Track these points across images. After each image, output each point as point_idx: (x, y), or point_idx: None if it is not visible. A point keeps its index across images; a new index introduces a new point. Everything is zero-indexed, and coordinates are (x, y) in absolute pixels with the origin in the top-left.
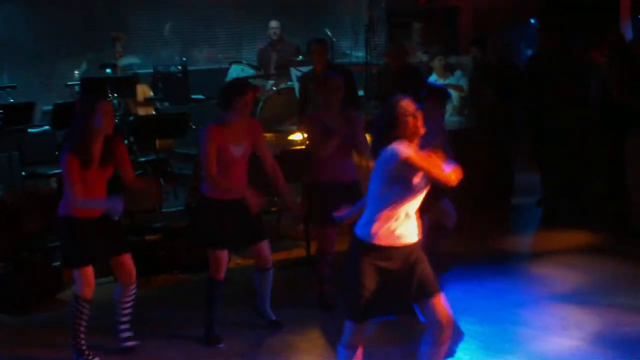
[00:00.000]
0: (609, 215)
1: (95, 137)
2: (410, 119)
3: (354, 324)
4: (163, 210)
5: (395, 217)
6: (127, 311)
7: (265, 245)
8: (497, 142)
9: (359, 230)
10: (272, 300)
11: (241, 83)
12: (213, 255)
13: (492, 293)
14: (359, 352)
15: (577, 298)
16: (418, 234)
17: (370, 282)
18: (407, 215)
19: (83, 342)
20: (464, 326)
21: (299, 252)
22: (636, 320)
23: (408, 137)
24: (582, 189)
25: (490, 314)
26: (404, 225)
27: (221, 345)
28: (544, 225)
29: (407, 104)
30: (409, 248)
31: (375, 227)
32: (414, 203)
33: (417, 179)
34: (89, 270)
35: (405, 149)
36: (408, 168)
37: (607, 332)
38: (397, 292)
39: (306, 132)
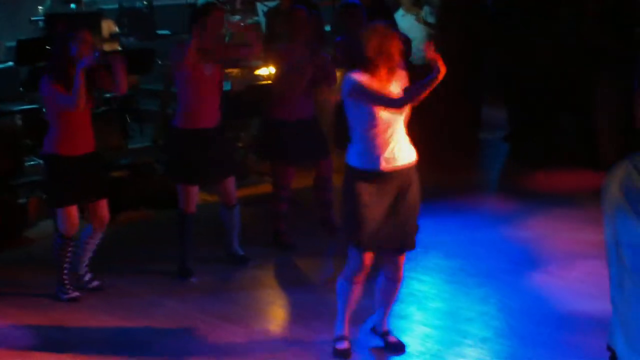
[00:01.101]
0: (577, 154)
1: (74, 65)
2: (384, 48)
3: (359, 254)
4: (129, 146)
5: (378, 140)
6: (89, 254)
7: (231, 182)
8: (465, 79)
9: (349, 158)
10: (241, 236)
11: (210, 4)
12: (184, 188)
13: (458, 228)
14: (360, 286)
15: (543, 233)
16: (414, 155)
17: (370, 209)
18: (390, 137)
19: (66, 276)
20: (430, 260)
21: (265, 188)
22: (602, 254)
23: (376, 61)
24: (550, 126)
25: (457, 248)
26: (389, 148)
27: (193, 279)
28: (512, 162)
29: (379, 28)
30: (403, 171)
31: (360, 153)
32: (392, 125)
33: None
34: (73, 210)
35: (356, 76)
36: (359, 95)
37: (573, 264)
38: (390, 229)
39: (274, 66)
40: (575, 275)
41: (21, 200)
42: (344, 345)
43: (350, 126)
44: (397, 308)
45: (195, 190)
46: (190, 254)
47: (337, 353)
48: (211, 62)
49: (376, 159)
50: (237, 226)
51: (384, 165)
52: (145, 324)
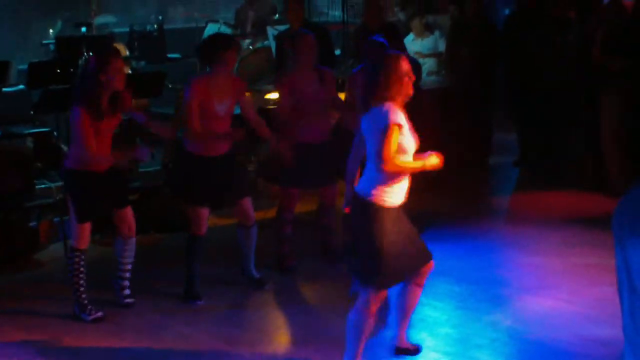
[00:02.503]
0: (587, 175)
1: (105, 92)
2: (405, 79)
3: (375, 291)
4: (140, 169)
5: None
6: (128, 266)
7: (247, 202)
8: (475, 101)
9: (366, 191)
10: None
11: (226, 37)
12: (194, 211)
13: (469, 253)
14: (372, 320)
15: (555, 258)
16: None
17: (389, 245)
18: None
19: (84, 295)
20: (441, 286)
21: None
22: (613, 280)
23: (401, 97)
24: (560, 149)
25: (468, 274)
26: (405, 182)
27: (200, 302)
28: (522, 186)
29: (405, 63)
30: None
31: (382, 186)
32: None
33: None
34: (88, 224)
35: (395, 116)
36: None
37: (585, 292)
38: (413, 253)
39: (278, 91)
40: (586, 301)
41: (32, 223)
42: None
43: (370, 155)
44: (409, 333)
45: (206, 213)
46: (198, 276)
47: None
48: (225, 100)
49: (401, 192)
50: (253, 247)
51: (403, 196)
52: (153, 346)
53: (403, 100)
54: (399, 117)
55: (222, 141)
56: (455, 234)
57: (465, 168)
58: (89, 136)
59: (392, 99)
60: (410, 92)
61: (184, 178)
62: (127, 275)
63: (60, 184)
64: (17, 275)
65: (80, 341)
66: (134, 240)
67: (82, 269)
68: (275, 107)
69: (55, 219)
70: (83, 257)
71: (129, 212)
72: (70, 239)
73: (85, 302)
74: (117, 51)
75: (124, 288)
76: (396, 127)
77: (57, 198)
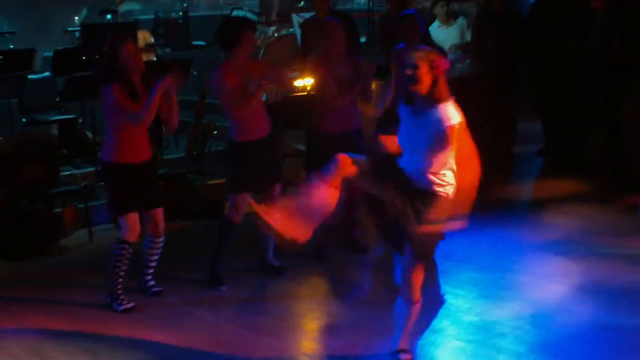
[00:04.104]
0: (609, 166)
1: (131, 75)
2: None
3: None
4: (164, 157)
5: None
6: (153, 263)
7: (277, 189)
8: (501, 90)
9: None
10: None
11: (244, 19)
12: (237, 197)
13: (491, 241)
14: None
15: (576, 247)
16: None
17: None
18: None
19: (120, 286)
20: (464, 274)
21: None
22: (635, 269)
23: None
24: (584, 139)
25: (490, 261)
26: None
27: (223, 288)
28: (545, 175)
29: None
30: None
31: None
32: None
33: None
34: (135, 216)
35: (455, 118)
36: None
37: (606, 280)
38: None
39: (313, 78)
40: (608, 290)
41: (57, 210)
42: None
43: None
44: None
45: (246, 199)
46: (223, 262)
47: None
48: (253, 79)
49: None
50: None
51: None
52: (177, 334)
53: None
54: (458, 118)
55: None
56: (478, 223)
57: (490, 156)
58: (131, 105)
59: (443, 99)
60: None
61: (231, 167)
62: (152, 271)
63: (85, 170)
64: (42, 262)
65: (104, 329)
66: (162, 239)
67: (126, 261)
68: (304, 93)
69: (80, 206)
70: (130, 249)
71: (159, 212)
72: (119, 231)
73: (120, 292)
74: (126, 36)
75: (148, 280)
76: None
77: (82, 185)
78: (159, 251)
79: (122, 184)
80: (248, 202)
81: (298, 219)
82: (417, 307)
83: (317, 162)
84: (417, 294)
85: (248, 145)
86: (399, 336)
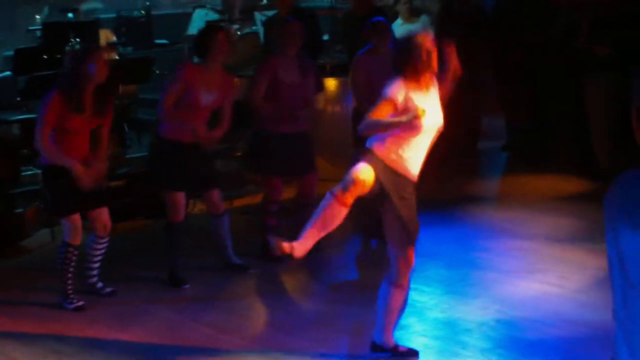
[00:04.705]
0: (574, 158)
1: (87, 84)
2: (423, 54)
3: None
4: (127, 156)
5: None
6: (97, 260)
7: (216, 193)
8: (464, 85)
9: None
10: (236, 246)
11: (209, 26)
12: (170, 197)
13: (458, 238)
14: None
15: (542, 242)
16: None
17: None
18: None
19: (70, 286)
20: (430, 270)
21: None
22: (599, 263)
23: (418, 72)
24: (548, 133)
25: (456, 258)
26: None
27: (186, 287)
28: (510, 170)
29: (424, 39)
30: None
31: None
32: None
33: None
34: (77, 218)
35: (393, 89)
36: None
37: (574, 276)
38: None
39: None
40: (575, 286)
41: (18, 210)
42: None
43: None
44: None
45: (181, 198)
46: (181, 262)
47: None
48: (212, 92)
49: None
50: (227, 235)
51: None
52: (139, 333)
53: (421, 75)
54: (398, 91)
55: (192, 131)
56: (444, 219)
57: (454, 153)
58: (47, 124)
59: (408, 73)
60: (434, 67)
61: (158, 163)
62: (97, 268)
63: None
64: (4, 263)
65: (66, 330)
66: (107, 239)
67: (72, 262)
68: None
69: (42, 206)
70: (75, 252)
71: (105, 212)
72: (63, 234)
73: (70, 292)
74: (100, 48)
75: (94, 283)
76: (388, 99)
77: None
78: (103, 251)
79: (63, 186)
80: (183, 202)
81: (307, 235)
82: (402, 293)
83: (261, 162)
84: (404, 280)
85: (176, 144)
86: (381, 328)
